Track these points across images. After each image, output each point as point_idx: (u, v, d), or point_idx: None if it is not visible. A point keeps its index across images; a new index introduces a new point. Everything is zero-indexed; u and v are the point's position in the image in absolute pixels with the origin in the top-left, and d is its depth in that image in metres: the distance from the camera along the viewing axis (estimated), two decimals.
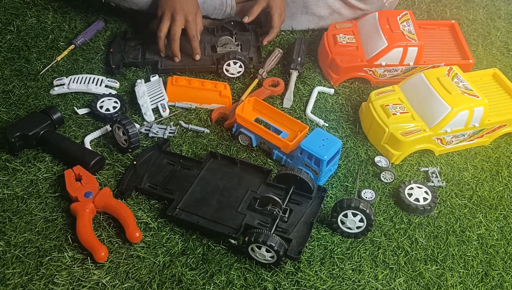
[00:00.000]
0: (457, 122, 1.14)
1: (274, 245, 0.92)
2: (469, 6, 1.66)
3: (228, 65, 1.29)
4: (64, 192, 1.04)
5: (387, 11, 1.35)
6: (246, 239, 0.93)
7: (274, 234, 0.93)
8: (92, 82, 1.27)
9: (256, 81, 1.31)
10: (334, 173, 1.14)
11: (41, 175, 1.08)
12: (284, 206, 1.01)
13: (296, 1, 1.43)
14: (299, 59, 1.35)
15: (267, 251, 0.93)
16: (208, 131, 1.19)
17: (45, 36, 1.41)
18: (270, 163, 1.14)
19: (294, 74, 1.33)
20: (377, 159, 1.17)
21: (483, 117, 1.16)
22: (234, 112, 1.19)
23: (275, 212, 0.99)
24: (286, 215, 1.00)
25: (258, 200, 1.01)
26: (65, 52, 1.36)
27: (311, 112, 1.26)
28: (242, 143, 1.18)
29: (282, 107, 1.27)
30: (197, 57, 1.29)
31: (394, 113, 1.16)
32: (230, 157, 1.11)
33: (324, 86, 1.33)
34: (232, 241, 0.97)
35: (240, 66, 1.29)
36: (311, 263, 0.98)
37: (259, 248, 0.94)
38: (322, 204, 1.03)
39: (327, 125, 1.23)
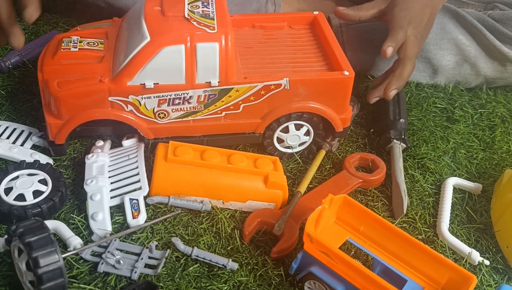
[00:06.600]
0: None
1: None
2: None
3: (285, 131, 0.65)
4: None
5: None
6: None
7: None
8: (8, 137, 0.64)
9: (322, 153, 0.67)
10: None
11: None
12: None
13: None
14: (402, 120, 0.71)
15: None
16: (236, 265, 0.53)
17: None
18: None
19: (398, 149, 0.68)
20: None
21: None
22: (287, 221, 0.54)
23: None
24: None
25: None
26: None
27: (448, 229, 0.60)
28: None
29: (390, 218, 0.61)
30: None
31: None
32: None
33: (462, 177, 0.68)
34: None
35: (307, 133, 0.65)
36: None
37: None
38: None
39: (487, 263, 0.57)
